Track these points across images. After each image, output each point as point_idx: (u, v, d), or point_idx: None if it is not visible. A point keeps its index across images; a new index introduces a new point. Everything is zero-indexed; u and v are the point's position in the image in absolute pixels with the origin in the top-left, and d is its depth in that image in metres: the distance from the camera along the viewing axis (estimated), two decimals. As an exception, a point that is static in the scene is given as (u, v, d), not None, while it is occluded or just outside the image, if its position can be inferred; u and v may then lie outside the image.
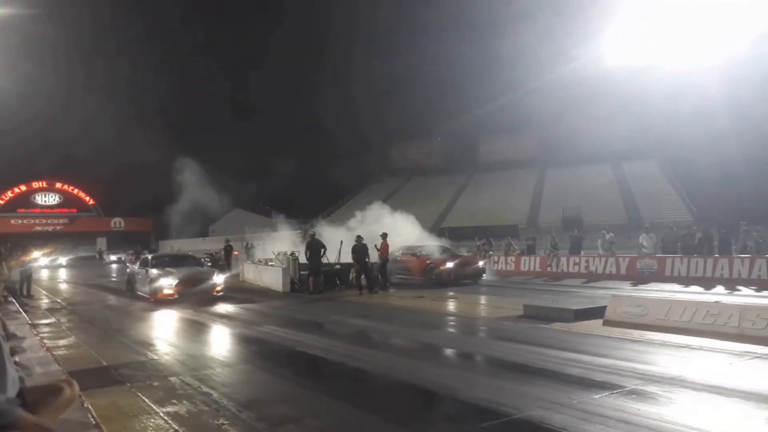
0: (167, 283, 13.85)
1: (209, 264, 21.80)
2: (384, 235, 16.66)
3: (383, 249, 16.39)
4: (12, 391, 2.91)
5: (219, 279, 14.98)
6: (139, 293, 15.38)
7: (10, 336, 3.12)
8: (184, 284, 13.90)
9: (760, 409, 4.90)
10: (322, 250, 16.09)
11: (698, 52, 31.24)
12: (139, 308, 13.39)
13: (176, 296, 13.68)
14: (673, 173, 41.41)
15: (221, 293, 14.66)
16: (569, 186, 43.59)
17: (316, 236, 16.76)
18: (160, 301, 13.63)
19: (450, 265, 17.71)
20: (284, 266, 17.27)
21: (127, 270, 17.55)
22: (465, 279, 17.83)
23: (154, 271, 14.47)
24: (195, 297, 13.76)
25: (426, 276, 17.78)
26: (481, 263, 19.25)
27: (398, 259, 18.75)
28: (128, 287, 16.65)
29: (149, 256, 16.53)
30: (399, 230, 19.48)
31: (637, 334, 8.36)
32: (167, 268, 14.63)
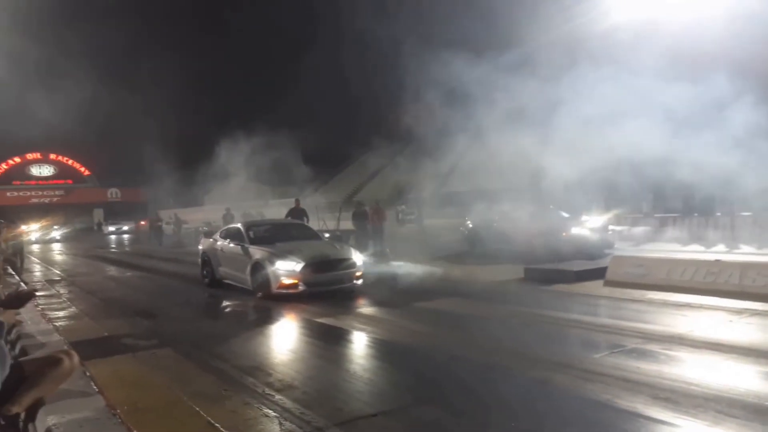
0: (287, 269, 9.22)
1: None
2: (376, 202, 16.86)
3: (376, 215, 16.50)
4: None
5: (358, 258, 10.18)
6: (229, 282, 10.86)
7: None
8: (313, 269, 9.32)
9: (758, 364, 4.92)
10: (305, 218, 16.16)
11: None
12: (243, 313, 8.97)
13: (300, 287, 9.19)
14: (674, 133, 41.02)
15: (360, 280, 10.06)
16: (574, 144, 43.14)
17: (301, 205, 16.92)
18: (271, 296, 9.26)
19: (577, 231, 13.61)
20: None
21: (200, 248, 12.31)
22: (587, 249, 12.89)
23: (258, 250, 9.82)
24: (327, 287, 9.47)
25: (539, 245, 13.16)
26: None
27: (494, 225, 15.28)
28: (205, 272, 11.73)
29: (240, 226, 11.19)
30: None
31: (638, 293, 8.39)
32: (278, 244, 9.99)
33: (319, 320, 7.68)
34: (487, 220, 15.97)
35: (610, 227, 14.25)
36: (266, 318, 8.18)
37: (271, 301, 9.08)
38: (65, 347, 4.51)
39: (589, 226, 13.89)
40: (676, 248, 14.88)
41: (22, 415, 3.31)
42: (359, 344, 6.62)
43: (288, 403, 4.34)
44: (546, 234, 13.22)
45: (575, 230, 13.42)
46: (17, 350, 4.68)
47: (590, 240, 13.36)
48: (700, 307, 7.42)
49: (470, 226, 16.61)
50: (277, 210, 25.87)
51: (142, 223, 45.29)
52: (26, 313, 7.77)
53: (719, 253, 13.18)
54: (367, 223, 16.39)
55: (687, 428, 3.64)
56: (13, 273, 13.75)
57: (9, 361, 3.08)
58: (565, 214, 14.33)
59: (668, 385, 4.38)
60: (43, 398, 3.39)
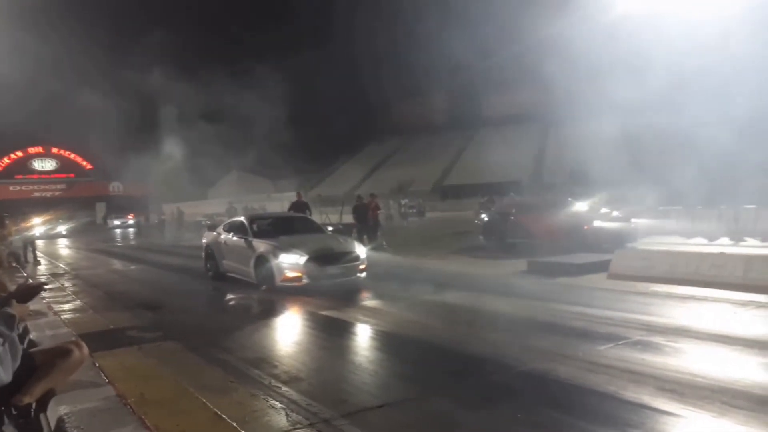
0: (291, 262, 9.19)
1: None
2: (372, 195, 17.02)
3: (371, 208, 16.58)
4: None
5: (361, 251, 10.19)
6: (233, 275, 10.83)
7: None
8: (317, 263, 9.26)
9: (762, 356, 4.93)
10: (307, 211, 16.17)
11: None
12: (247, 306, 8.96)
13: (304, 280, 9.18)
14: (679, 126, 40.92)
15: (364, 273, 10.00)
16: (573, 141, 43.21)
17: (303, 198, 17.10)
18: (276, 289, 9.25)
19: (599, 224, 12.95)
20: None
21: (204, 241, 12.32)
22: (609, 243, 11.82)
23: (262, 244, 9.84)
24: (331, 281, 9.39)
25: (560, 238, 12.69)
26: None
27: (511, 218, 14.57)
28: (209, 265, 11.80)
29: (244, 219, 11.31)
30: None
31: (642, 286, 8.40)
32: (281, 237, 10.02)
33: (324, 313, 7.70)
34: (503, 212, 15.45)
35: (633, 219, 13.60)
36: (270, 311, 8.21)
37: (275, 294, 9.09)
38: (74, 339, 4.54)
39: (611, 218, 13.45)
40: (680, 241, 14.88)
41: (34, 405, 3.34)
42: (363, 336, 6.64)
43: (294, 395, 4.37)
44: (567, 227, 12.82)
45: (597, 223, 12.92)
46: (26, 342, 4.72)
47: (612, 232, 12.78)
48: (705, 299, 7.43)
49: (485, 219, 16.15)
50: (279, 204, 25.98)
51: (131, 216, 45.92)
52: (33, 306, 7.82)
53: (724, 245, 13.17)
54: (368, 216, 16.48)
55: (693, 419, 3.66)
56: (18, 266, 13.84)
57: (20, 353, 3.10)
58: (585, 206, 13.96)
59: (673, 377, 4.40)
60: (53, 389, 3.42)
